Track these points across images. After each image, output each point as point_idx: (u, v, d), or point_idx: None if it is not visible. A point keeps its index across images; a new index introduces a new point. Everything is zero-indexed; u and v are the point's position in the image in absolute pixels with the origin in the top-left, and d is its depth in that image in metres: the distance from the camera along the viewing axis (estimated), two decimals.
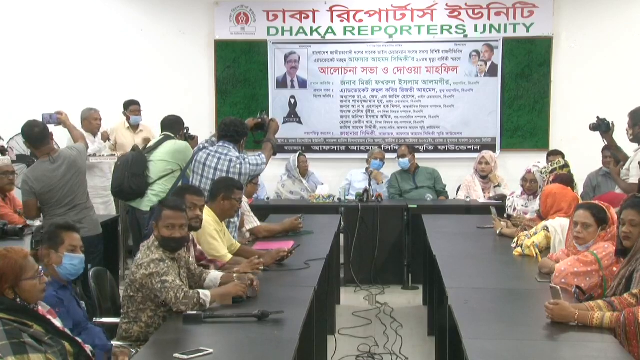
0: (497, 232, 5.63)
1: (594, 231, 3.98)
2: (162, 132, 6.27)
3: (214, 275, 3.93)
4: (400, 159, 7.81)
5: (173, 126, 6.25)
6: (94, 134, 7.23)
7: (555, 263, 4.08)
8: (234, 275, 3.86)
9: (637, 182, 5.75)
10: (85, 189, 5.31)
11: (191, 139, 6.43)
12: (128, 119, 7.70)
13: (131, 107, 7.71)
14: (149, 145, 6.19)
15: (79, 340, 2.91)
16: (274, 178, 8.21)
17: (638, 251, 3.52)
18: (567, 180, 5.49)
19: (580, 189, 6.83)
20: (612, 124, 6.21)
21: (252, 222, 5.56)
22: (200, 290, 3.64)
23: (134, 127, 7.76)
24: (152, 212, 5.18)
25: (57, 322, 2.91)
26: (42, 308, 2.91)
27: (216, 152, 5.14)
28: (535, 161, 6.43)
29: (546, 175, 5.75)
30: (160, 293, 3.56)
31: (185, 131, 6.41)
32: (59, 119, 5.66)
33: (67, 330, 2.92)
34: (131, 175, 5.91)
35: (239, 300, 3.57)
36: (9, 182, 5.96)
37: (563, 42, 8.46)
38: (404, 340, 5.60)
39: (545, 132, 8.51)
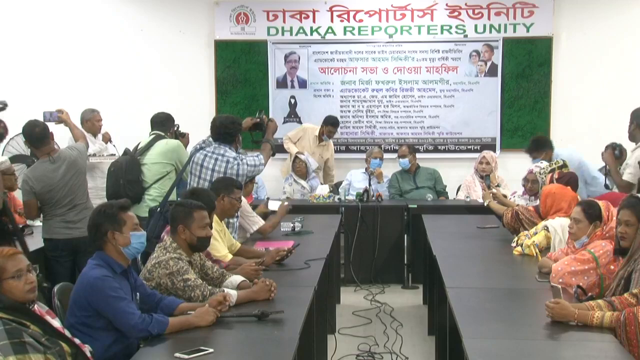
0: (485, 203, 5.70)
1: (584, 227, 4.02)
2: (152, 129, 6.20)
3: (235, 279, 3.91)
4: (401, 159, 7.81)
5: (164, 123, 6.18)
6: (95, 135, 7.22)
7: (554, 262, 4.09)
8: (256, 280, 3.82)
9: (629, 177, 5.79)
10: (85, 189, 5.30)
11: (182, 136, 6.40)
12: (323, 133, 8.09)
13: (330, 127, 8.09)
14: (140, 147, 6.10)
15: (77, 341, 2.90)
16: (274, 178, 8.23)
17: (636, 251, 3.52)
18: (574, 180, 5.51)
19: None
20: (623, 149, 6.24)
21: (257, 222, 5.55)
22: (227, 290, 3.65)
23: (321, 139, 8.13)
24: (151, 215, 5.17)
25: (56, 322, 2.90)
26: (40, 308, 2.90)
27: (213, 153, 5.12)
28: (536, 165, 6.43)
29: (545, 175, 5.76)
30: (184, 292, 3.56)
31: (176, 128, 6.38)
32: (60, 117, 5.65)
33: (65, 331, 2.92)
34: (127, 182, 5.82)
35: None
36: (15, 180, 5.99)
37: (563, 42, 8.47)
38: (404, 339, 5.60)
39: (545, 132, 8.49)
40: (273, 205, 6.15)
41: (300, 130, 8.24)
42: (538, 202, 5.71)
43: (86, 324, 3.15)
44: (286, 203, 6.13)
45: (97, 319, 3.16)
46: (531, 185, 6.10)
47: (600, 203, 4.13)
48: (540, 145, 6.65)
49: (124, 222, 3.32)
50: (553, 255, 4.30)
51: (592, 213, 4.04)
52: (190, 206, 3.83)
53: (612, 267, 3.77)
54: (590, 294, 3.67)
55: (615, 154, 6.19)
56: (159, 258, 3.64)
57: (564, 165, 5.82)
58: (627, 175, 5.89)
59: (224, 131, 5.15)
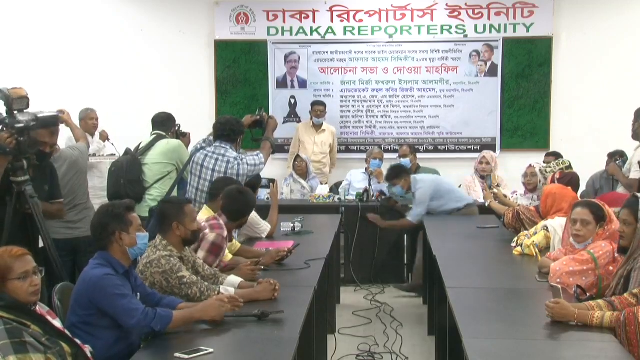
0: (486, 204, 5.72)
1: (593, 229, 4.00)
2: (153, 129, 6.22)
3: (233, 279, 3.90)
4: (402, 159, 7.80)
5: (165, 123, 6.20)
6: (91, 134, 7.23)
7: (554, 262, 4.08)
8: (261, 280, 3.82)
9: (636, 175, 5.81)
10: (86, 189, 5.30)
11: (183, 136, 6.41)
12: (312, 118, 8.21)
13: (314, 107, 8.19)
14: (141, 147, 6.12)
15: (78, 341, 2.89)
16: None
17: (635, 250, 3.52)
18: (575, 180, 5.51)
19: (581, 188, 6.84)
20: (625, 157, 6.27)
21: (265, 229, 5.49)
22: (222, 287, 3.66)
23: (317, 127, 8.22)
24: (151, 215, 5.16)
25: (57, 323, 2.90)
26: (41, 309, 2.90)
27: (213, 153, 5.12)
28: (535, 162, 6.45)
29: (550, 174, 5.76)
30: (180, 290, 3.56)
31: (177, 128, 6.39)
32: (61, 118, 5.64)
33: (66, 332, 2.91)
34: (127, 181, 5.83)
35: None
36: None
37: (563, 42, 8.47)
38: (403, 339, 5.60)
39: (545, 132, 8.52)
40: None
41: (295, 135, 8.37)
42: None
43: (88, 322, 3.14)
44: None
45: (99, 317, 3.15)
46: (529, 179, 6.13)
47: (602, 204, 4.11)
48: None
49: (131, 223, 3.32)
50: (552, 255, 4.30)
51: (599, 215, 4.00)
52: (180, 202, 3.89)
53: (610, 268, 3.76)
54: (589, 294, 3.67)
55: (618, 164, 6.22)
56: (150, 257, 3.64)
57: (570, 167, 5.85)
58: (634, 173, 5.91)
59: (229, 128, 5.16)
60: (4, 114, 4.05)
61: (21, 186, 4.03)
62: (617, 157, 6.39)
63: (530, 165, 6.20)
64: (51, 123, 4.32)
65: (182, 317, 3.23)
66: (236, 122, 5.27)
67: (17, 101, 4.03)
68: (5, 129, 3.98)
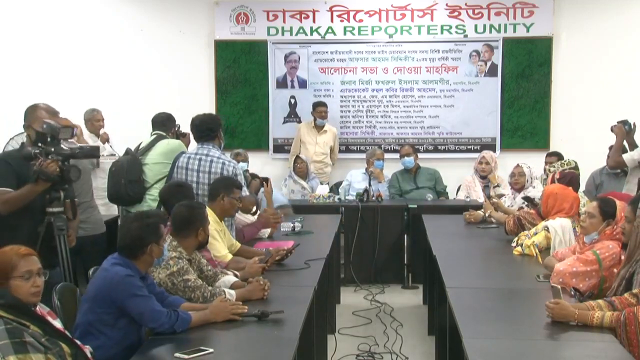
0: (487, 214, 5.71)
1: (597, 222, 3.98)
2: (153, 130, 6.23)
3: (228, 279, 3.92)
4: (406, 158, 7.80)
5: (165, 123, 6.22)
6: (97, 135, 7.24)
7: (559, 261, 4.08)
8: (251, 279, 3.85)
9: (626, 156, 5.83)
10: (90, 187, 5.30)
11: (183, 136, 6.42)
12: (315, 119, 8.24)
13: (317, 109, 8.25)
14: (141, 147, 6.13)
15: (78, 342, 2.89)
16: (275, 178, 8.23)
17: (634, 251, 3.51)
18: (575, 180, 5.50)
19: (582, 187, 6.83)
20: (634, 125, 6.22)
21: (266, 230, 5.53)
22: (226, 289, 3.67)
23: (319, 128, 8.28)
24: None
25: (57, 323, 2.90)
26: (42, 309, 2.90)
27: (196, 154, 5.10)
28: (522, 162, 6.44)
29: (554, 173, 5.76)
30: (184, 293, 3.57)
31: (177, 128, 6.40)
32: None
33: (67, 333, 2.91)
34: (128, 181, 5.84)
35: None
36: None
37: (563, 42, 8.47)
38: (403, 339, 5.60)
39: (545, 132, 8.52)
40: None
41: (297, 135, 8.38)
42: (522, 193, 5.76)
43: (103, 320, 3.16)
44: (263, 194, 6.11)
45: (116, 317, 3.17)
46: (516, 179, 6.14)
47: (618, 202, 4.08)
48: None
49: (162, 235, 3.36)
50: (559, 254, 4.29)
51: (607, 211, 3.99)
52: (202, 207, 3.93)
53: (615, 270, 3.75)
54: (589, 291, 3.68)
55: (625, 128, 6.17)
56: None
57: (576, 168, 5.84)
58: (626, 155, 5.91)
59: (206, 127, 5.15)
60: (48, 144, 4.15)
61: (52, 217, 4.15)
62: (627, 126, 6.32)
63: (518, 165, 6.20)
64: (93, 154, 4.54)
65: (199, 319, 3.27)
66: (209, 118, 5.25)
67: (63, 131, 4.17)
68: (50, 157, 4.10)
